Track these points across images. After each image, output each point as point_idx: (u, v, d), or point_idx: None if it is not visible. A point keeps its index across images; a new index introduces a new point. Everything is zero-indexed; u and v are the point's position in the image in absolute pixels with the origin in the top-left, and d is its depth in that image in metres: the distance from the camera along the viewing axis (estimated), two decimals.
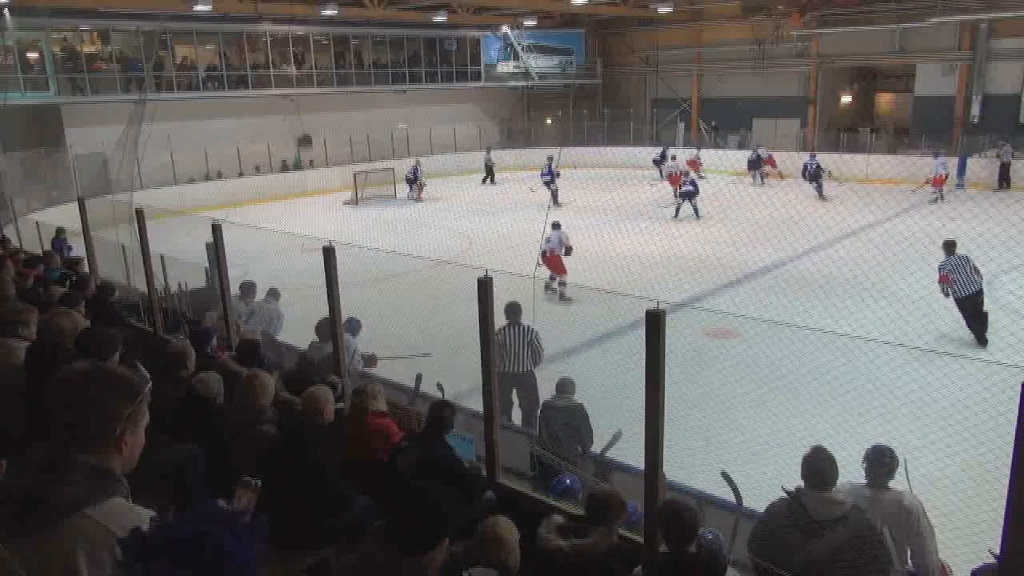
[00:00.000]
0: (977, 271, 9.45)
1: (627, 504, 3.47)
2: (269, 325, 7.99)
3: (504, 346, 7.02)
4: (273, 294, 8.60)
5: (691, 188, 19.20)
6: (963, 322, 9.57)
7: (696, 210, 19.08)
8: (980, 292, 9.41)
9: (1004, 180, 21.27)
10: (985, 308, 9.50)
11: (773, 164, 24.71)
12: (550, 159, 22.01)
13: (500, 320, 7.49)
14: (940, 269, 9.60)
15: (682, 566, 2.91)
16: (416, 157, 25.12)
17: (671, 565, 2.97)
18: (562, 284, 12.13)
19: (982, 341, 9.42)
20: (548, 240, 12.12)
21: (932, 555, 3.73)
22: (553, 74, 31.57)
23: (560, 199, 21.62)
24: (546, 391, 5.87)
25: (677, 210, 19.32)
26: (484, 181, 26.31)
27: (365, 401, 4.42)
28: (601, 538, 3.19)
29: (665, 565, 2.98)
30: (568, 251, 12.10)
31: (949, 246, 9.70)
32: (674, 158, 24.14)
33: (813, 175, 21.30)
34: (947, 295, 9.56)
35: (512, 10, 27.74)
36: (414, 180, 23.67)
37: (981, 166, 21.83)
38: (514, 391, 7.29)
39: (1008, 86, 23.48)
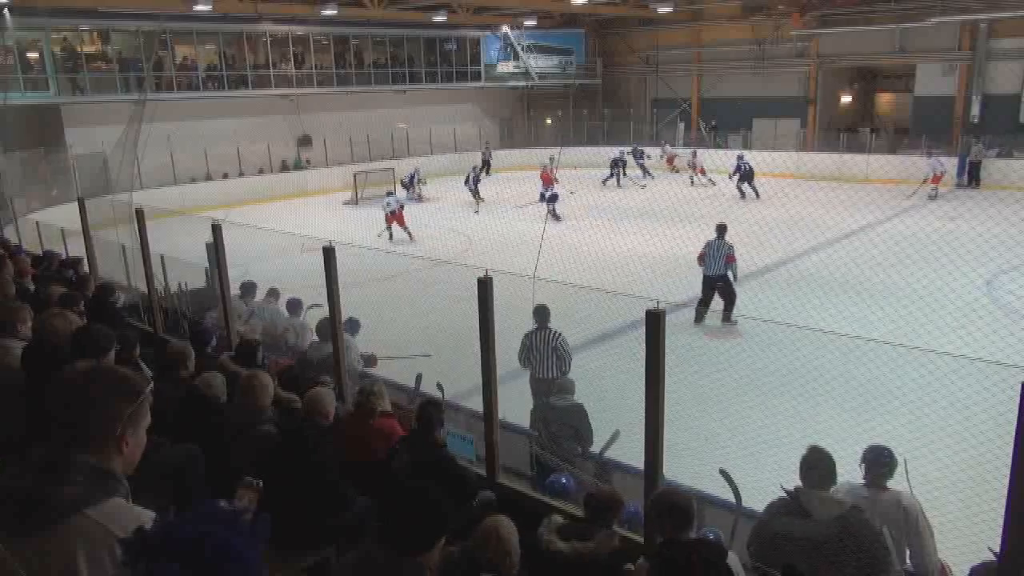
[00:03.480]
0: (731, 260, 10.57)
1: (624, 502, 3.48)
2: (299, 339, 7.70)
3: (531, 351, 6.90)
4: (273, 294, 8.60)
5: (554, 193, 19.67)
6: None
7: (556, 215, 19.28)
8: (723, 277, 10.60)
9: (973, 178, 21.67)
10: (736, 291, 10.66)
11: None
12: (475, 168, 22.97)
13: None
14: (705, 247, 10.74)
15: (681, 552, 2.92)
16: (415, 166, 24.75)
17: (671, 552, 2.98)
18: (408, 232, 17.46)
19: (726, 318, 10.51)
20: (388, 204, 17.67)
21: (931, 555, 3.73)
22: (553, 74, 31.55)
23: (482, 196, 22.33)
24: None
25: (551, 214, 19.50)
26: (485, 173, 26.46)
27: (373, 402, 4.43)
28: (603, 542, 3.19)
29: (665, 552, 2.99)
30: (402, 207, 17.78)
31: (720, 229, 10.78)
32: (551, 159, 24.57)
33: (745, 175, 21.38)
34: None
35: (512, 10, 27.72)
36: (410, 184, 23.54)
37: (981, 166, 21.87)
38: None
39: (1008, 86, 23.47)
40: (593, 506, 3.39)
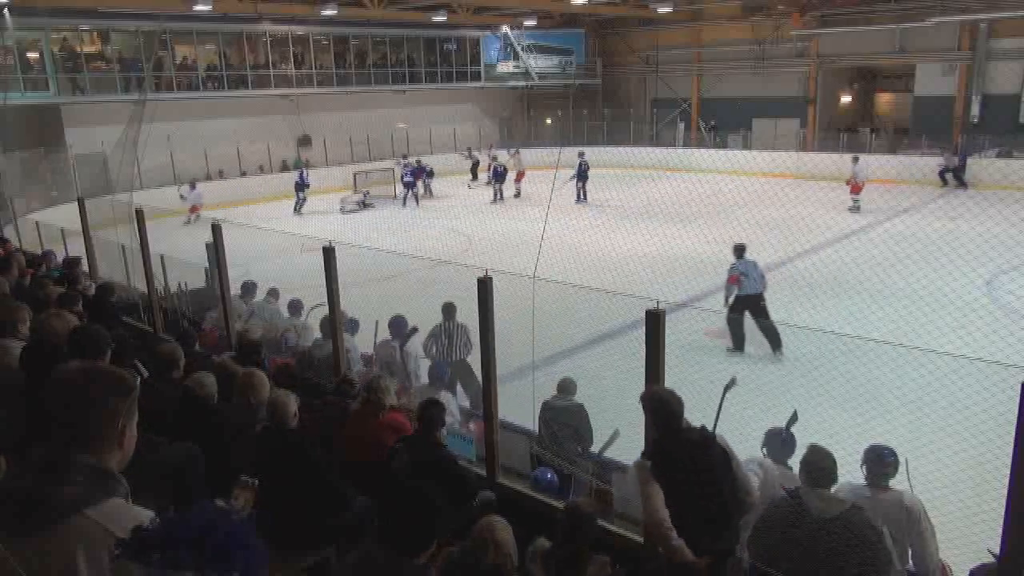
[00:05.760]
0: (763, 277, 9.71)
1: (596, 513, 3.31)
2: (300, 339, 7.72)
3: (438, 339, 7.74)
4: (273, 294, 8.60)
5: (362, 196, 22.10)
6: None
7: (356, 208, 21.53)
8: (761, 296, 9.68)
9: (954, 180, 21.66)
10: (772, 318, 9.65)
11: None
12: (404, 157, 22.97)
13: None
14: (730, 271, 9.79)
15: (674, 441, 3.14)
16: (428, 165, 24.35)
17: (665, 444, 3.16)
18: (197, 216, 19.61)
19: (776, 347, 9.39)
20: (198, 195, 20.58)
21: (932, 555, 3.72)
22: (553, 74, 31.54)
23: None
24: (547, 391, 5.86)
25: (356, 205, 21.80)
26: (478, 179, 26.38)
27: (381, 398, 4.43)
28: (598, 570, 3.06)
29: (660, 446, 3.17)
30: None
31: (739, 250, 9.95)
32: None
33: (582, 175, 21.21)
34: (728, 296, 9.74)
35: (512, 10, 27.72)
36: (413, 183, 22.93)
37: (981, 166, 21.83)
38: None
39: (1008, 86, 23.47)
40: (573, 519, 3.14)
